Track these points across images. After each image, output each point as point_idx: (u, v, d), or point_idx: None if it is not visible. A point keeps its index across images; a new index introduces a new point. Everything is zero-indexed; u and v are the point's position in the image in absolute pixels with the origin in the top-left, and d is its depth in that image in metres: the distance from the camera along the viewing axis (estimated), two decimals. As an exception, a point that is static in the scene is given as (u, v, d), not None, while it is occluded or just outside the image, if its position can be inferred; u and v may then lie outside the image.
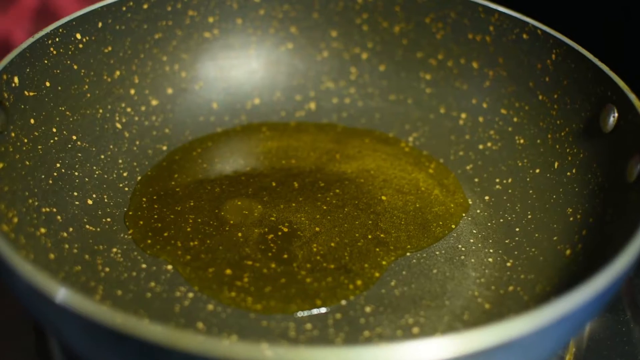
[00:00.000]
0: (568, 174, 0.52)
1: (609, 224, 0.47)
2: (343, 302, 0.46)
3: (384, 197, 0.54)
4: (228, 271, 0.47)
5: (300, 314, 0.45)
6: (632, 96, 0.47)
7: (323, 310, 0.46)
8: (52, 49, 0.51)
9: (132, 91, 0.57)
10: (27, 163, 0.48)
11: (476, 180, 0.56)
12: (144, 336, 0.31)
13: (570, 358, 0.49)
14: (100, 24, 0.54)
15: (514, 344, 0.33)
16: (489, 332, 0.32)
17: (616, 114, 0.49)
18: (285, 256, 0.49)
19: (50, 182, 0.50)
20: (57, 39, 0.51)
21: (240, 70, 0.61)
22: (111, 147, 0.55)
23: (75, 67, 0.53)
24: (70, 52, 0.53)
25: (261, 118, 0.60)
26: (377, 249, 0.50)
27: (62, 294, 0.33)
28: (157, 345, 0.31)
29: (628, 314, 0.52)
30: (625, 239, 0.38)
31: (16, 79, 0.48)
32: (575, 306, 0.34)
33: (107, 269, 0.47)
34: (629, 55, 0.66)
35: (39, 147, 0.50)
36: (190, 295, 0.46)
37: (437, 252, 0.50)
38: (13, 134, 0.48)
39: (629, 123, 0.47)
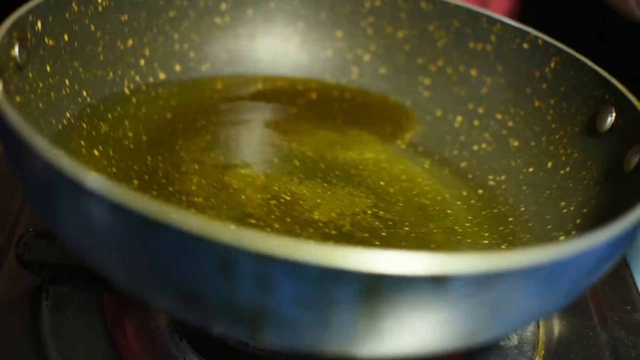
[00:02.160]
0: (562, 172, 0.54)
1: (607, 209, 0.48)
2: (345, 263, 0.47)
3: (382, 183, 0.55)
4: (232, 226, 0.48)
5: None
6: (631, 96, 0.50)
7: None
8: (74, 4, 0.52)
9: (142, 62, 0.58)
10: (40, 105, 0.49)
11: (470, 176, 0.57)
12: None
13: None
14: (120, -9, 0.56)
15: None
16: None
17: (614, 114, 0.51)
18: (288, 220, 0.50)
19: (60, 127, 0.50)
20: (79, -4, 0.53)
21: (246, 57, 0.63)
22: (118, 108, 0.55)
23: (92, 27, 0.54)
24: (89, 12, 0.54)
25: (264, 100, 0.62)
26: (377, 223, 0.51)
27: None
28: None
29: (595, 319, 0.55)
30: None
31: (39, 23, 0.49)
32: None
33: (112, 212, 0.47)
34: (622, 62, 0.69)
35: (52, 93, 0.50)
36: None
37: (435, 230, 0.51)
38: (30, 75, 0.48)
39: (627, 120, 0.50)
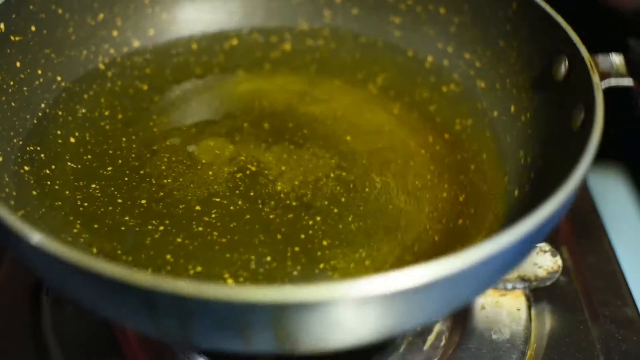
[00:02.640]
0: (522, 118, 0.55)
1: (555, 168, 0.50)
2: (302, 236, 0.50)
3: (348, 138, 0.57)
4: (197, 207, 0.51)
5: (261, 247, 0.49)
6: (582, 48, 0.50)
7: (282, 243, 0.50)
8: (37, -6, 0.54)
9: (115, 33, 0.60)
10: (13, 104, 0.52)
11: (438, 119, 0.59)
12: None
13: (531, 353, 0.53)
14: (83, -31, 0.58)
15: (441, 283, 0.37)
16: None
17: (567, 64, 0.51)
18: (251, 194, 0.53)
19: (35, 121, 0.54)
20: (41, -15, 0.55)
21: (219, 12, 0.64)
22: (94, 87, 0.58)
23: (60, 11, 0.56)
24: (55, -3, 0.56)
25: (238, 58, 0.64)
26: (338, 187, 0.53)
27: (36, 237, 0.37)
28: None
29: (586, 313, 0.57)
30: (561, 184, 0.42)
31: (2, 26, 0.52)
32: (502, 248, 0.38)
33: (85, 204, 0.51)
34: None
35: (25, 88, 0.53)
36: (161, 228, 0.50)
37: (395, 189, 0.54)
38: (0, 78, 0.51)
39: (577, 74, 0.50)
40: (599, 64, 0.50)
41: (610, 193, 0.47)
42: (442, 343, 0.53)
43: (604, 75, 0.49)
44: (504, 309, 0.55)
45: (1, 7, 0.51)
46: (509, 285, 0.56)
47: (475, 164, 0.55)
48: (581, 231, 0.63)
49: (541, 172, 0.51)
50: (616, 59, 0.50)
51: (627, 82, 0.50)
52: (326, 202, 0.52)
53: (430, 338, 0.54)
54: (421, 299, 0.37)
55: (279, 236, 0.50)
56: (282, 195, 0.53)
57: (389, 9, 0.63)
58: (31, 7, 0.54)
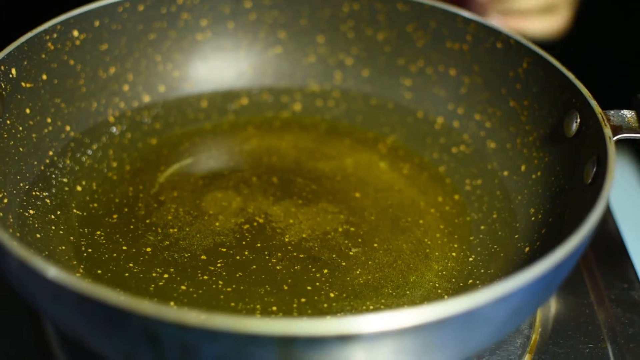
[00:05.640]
0: (533, 176, 0.55)
1: (567, 223, 0.49)
2: (309, 288, 0.49)
3: (357, 194, 0.57)
4: (203, 257, 0.50)
5: (267, 297, 0.48)
6: (593, 103, 0.50)
7: (289, 294, 0.49)
8: (49, 44, 0.55)
9: (126, 87, 0.60)
10: (21, 149, 0.52)
11: (447, 180, 0.58)
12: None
13: (536, 337, 0.52)
14: (97, 23, 0.58)
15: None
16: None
17: (579, 120, 0.51)
18: (258, 245, 0.52)
19: (42, 168, 0.53)
20: (55, 35, 0.55)
21: (230, 71, 0.65)
22: (103, 138, 0.58)
23: (71, 62, 0.57)
24: (67, 48, 0.56)
25: (248, 116, 0.64)
26: (346, 241, 0.53)
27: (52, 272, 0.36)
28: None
29: (592, 297, 0.55)
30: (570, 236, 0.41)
31: (14, 71, 0.52)
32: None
33: (89, 250, 0.50)
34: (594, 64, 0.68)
35: (33, 135, 0.53)
36: (166, 276, 0.49)
37: (404, 245, 0.53)
38: (9, 122, 0.51)
39: (589, 128, 0.50)
40: (611, 118, 0.50)
41: (615, 175, 0.46)
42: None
43: (615, 130, 0.49)
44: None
45: (13, 52, 0.51)
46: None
47: (486, 225, 0.54)
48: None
49: (552, 227, 0.51)
50: (628, 114, 0.50)
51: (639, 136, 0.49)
52: (334, 255, 0.51)
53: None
54: (429, 338, 0.36)
55: (285, 287, 0.49)
56: (289, 247, 0.52)
57: (399, 70, 0.64)
58: (43, 55, 0.54)
